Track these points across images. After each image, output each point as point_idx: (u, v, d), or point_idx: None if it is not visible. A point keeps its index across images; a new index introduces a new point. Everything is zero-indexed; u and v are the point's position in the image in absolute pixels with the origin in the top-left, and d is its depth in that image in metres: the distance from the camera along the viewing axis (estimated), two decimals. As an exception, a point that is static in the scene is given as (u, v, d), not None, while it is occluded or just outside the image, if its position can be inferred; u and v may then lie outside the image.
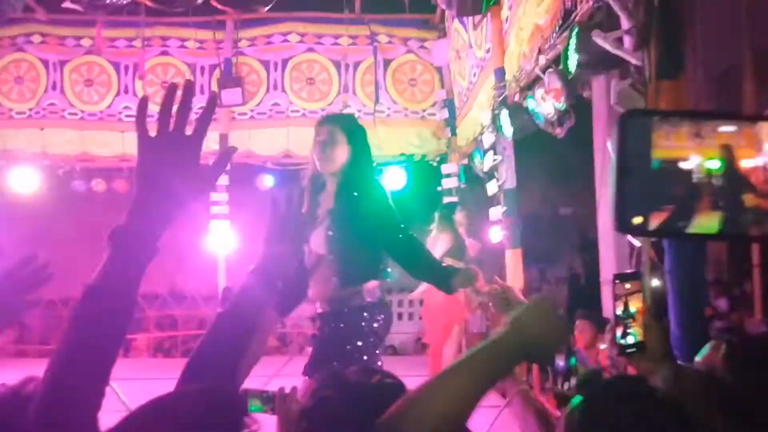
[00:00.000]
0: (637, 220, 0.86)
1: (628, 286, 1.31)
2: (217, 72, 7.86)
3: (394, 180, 7.72)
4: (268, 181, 8.07)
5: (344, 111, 7.95)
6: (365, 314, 2.54)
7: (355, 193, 2.63)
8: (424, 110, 7.99)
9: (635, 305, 1.31)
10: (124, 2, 3.26)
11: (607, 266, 4.14)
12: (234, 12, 6.18)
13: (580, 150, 5.14)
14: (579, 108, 4.03)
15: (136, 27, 7.31)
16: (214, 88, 7.84)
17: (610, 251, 4.11)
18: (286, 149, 7.96)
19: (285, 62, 7.96)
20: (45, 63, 7.82)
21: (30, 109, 7.81)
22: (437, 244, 5.41)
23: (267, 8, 3.79)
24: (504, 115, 4.87)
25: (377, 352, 2.62)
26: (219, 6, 3.98)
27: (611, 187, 0.87)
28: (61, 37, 7.78)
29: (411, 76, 7.97)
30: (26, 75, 7.82)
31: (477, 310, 5.84)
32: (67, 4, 3.48)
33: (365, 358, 2.48)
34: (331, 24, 7.92)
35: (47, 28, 7.63)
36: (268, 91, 7.97)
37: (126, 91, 7.87)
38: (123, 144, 7.80)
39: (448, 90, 7.74)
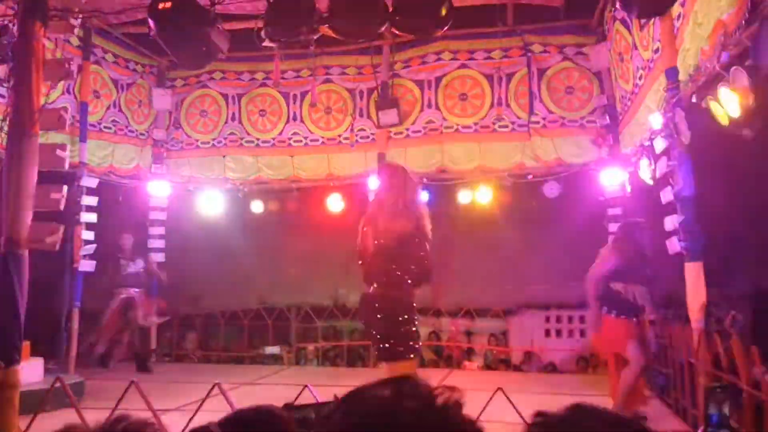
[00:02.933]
0: None
1: None
2: (374, 95, 8.25)
3: (551, 191, 7.53)
4: (423, 196, 8.24)
5: (497, 124, 7.93)
6: None
7: None
8: (582, 118, 7.71)
9: None
10: (315, 37, 3.56)
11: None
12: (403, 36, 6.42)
13: (770, 151, 4.65)
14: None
15: (304, 58, 7.90)
16: (372, 110, 8.23)
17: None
18: (441, 165, 8.10)
19: (438, 80, 8.14)
20: (225, 97, 8.75)
21: (213, 139, 8.76)
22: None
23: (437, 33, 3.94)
24: (679, 116, 4.56)
25: None
26: (398, 32, 4.18)
27: None
28: (238, 72, 8.66)
29: (568, 83, 7.75)
30: (209, 108, 8.79)
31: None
32: (266, 44, 3.87)
33: None
34: (484, 39, 7.97)
35: (226, 65, 8.51)
36: (422, 109, 8.19)
37: (294, 119, 8.56)
38: (293, 167, 8.47)
39: (608, 95, 7.40)
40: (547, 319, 9.35)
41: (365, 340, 8.50)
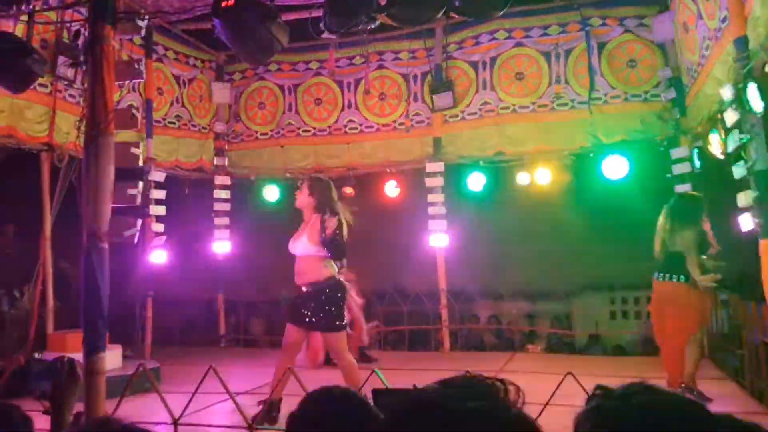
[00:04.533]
0: None
1: None
2: (428, 78, 8.21)
3: (617, 169, 7.32)
4: (480, 180, 8.17)
5: (556, 102, 7.77)
6: None
7: None
8: (646, 92, 7.44)
9: None
10: (372, 26, 3.58)
11: None
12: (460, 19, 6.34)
13: None
14: None
15: (357, 46, 7.92)
16: (427, 94, 8.20)
17: None
18: (498, 147, 8.00)
19: (493, 60, 8.01)
20: (281, 88, 8.90)
21: (271, 130, 8.93)
22: (684, 238, 5.04)
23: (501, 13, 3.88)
24: (752, 88, 4.35)
25: None
26: (456, 16, 4.16)
27: None
28: (293, 63, 8.79)
29: (630, 56, 7.48)
30: (267, 100, 8.96)
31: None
32: (325, 35, 3.93)
33: None
34: (539, 15, 7.78)
35: (281, 56, 8.63)
36: (477, 91, 8.09)
37: (349, 106, 8.62)
38: (349, 155, 8.56)
39: (673, 67, 7.11)
40: (612, 301, 9.16)
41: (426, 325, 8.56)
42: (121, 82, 4.88)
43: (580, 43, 7.60)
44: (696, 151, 6.81)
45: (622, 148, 7.40)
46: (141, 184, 4.14)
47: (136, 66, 4.28)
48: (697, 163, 6.82)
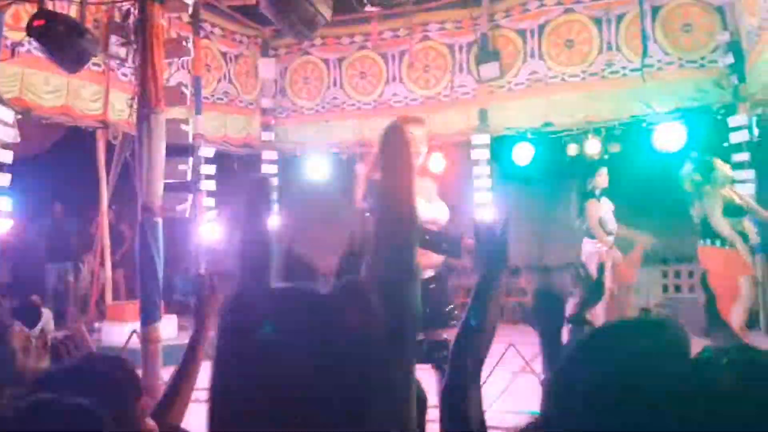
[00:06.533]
0: None
1: None
2: (474, 48, 8.06)
3: (671, 139, 7.06)
4: (528, 151, 8.02)
5: (607, 70, 7.53)
6: None
7: None
8: (702, 57, 7.11)
9: None
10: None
11: None
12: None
13: None
14: None
15: (401, 17, 7.84)
16: (473, 65, 8.06)
17: None
18: (546, 117, 7.82)
19: (542, 28, 7.80)
20: (326, 62, 8.90)
21: (317, 105, 8.97)
22: (715, 203, 4.93)
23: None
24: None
25: None
26: None
27: None
28: (337, 37, 8.75)
29: (685, 20, 7.15)
30: (311, 75, 8.99)
31: None
32: (368, 8, 3.92)
33: None
34: (590, -21, 7.52)
35: (326, 31, 8.57)
36: (525, 60, 7.91)
37: (394, 79, 8.56)
38: (394, 128, 8.51)
39: (732, 31, 6.75)
40: (665, 274, 8.93)
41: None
42: (170, 60, 4.98)
43: (633, 8, 7.30)
44: (755, 119, 6.50)
45: (677, 117, 7.13)
46: (191, 160, 4.25)
47: (185, 43, 4.35)
48: (756, 132, 6.52)
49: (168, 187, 4.06)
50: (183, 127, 4.19)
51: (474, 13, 7.98)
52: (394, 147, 0.92)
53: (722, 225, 4.92)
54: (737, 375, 0.79)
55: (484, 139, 7.97)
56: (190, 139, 4.30)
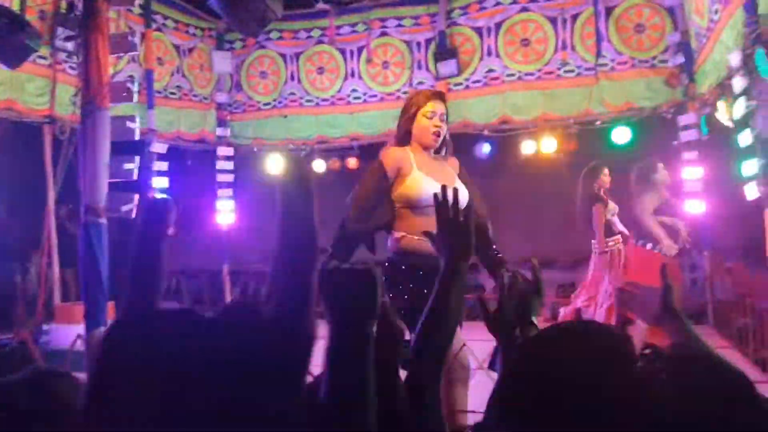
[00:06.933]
0: None
1: None
2: (432, 46, 8.05)
3: (619, 137, 7.22)
4: (486, 149, 8.09)
5: (562, 69, 7.63)
6: None
7: None
8: (654, 57, 7.27)
9: None
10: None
11: None
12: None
13: None
14: None
15: (359, 12, 7.76)
16: (431, 62, 8.06)
17: None
18: (502, 115, 7.89)
19: (498, 26, 7.84)
20: (283, 56, 8.76)
21: (274, 100, 8.84)
22: (644, 203, 5.05)
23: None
24: (759, 54, 4.24)
25: None
26: None
27: None
28: (294, 30, 8.63)
29: (637, 21, 7.29)
30: (269, 69, 8.84)
31: None
32: (320, 5, 3.85)
33: None
34: (546, -22, 7.59)
35: (282, 24, 8.48)
36: (482, 58, 7.94)
37: (352, 75, 8.48)
38: (353, 124, 8.46)
39: (682, 32, 6.92)
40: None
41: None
42: (119, 56, 4.82)
43: (588, 8, 7.41)
44: (704, 118, 6.68)
45: (629, 116, 7.28)
46: (138, 158, 4.12)
47: (130, 38, 4.21)
48: (705, 131, 6.70)
49: (113, 187, 3.93)
50: (129, 124, 4.06)
51: (431, 9, 7.97)
52: (297, 180, 0.92)
53: (652, 224, 5.04)
54: (675, 373, 0.80)
55: (443, 135, 7.98)
56: (137, 137, 4.17)
